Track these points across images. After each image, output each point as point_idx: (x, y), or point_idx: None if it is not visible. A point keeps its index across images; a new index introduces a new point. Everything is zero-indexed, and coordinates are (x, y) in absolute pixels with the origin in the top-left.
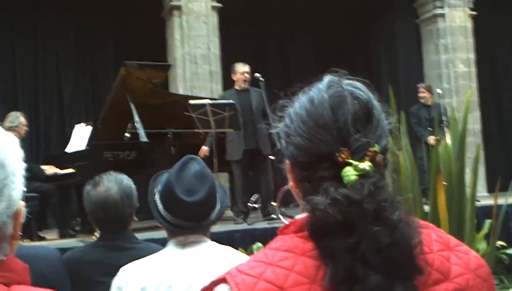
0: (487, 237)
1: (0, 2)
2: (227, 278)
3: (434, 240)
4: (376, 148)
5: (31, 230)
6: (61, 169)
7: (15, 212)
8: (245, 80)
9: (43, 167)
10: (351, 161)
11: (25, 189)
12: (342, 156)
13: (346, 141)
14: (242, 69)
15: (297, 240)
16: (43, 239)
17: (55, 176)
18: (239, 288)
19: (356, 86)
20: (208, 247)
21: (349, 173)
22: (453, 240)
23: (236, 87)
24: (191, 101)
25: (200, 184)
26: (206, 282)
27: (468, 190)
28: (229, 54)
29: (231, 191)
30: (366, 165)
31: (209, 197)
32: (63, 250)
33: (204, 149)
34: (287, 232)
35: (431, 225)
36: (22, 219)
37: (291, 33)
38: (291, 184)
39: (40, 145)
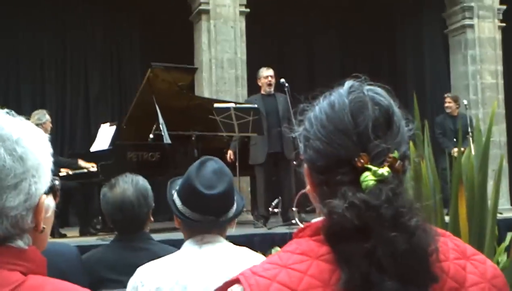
0: (508, 249)
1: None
2: (240, 279)
3: (451, 248)
4: (396, 154)
5: (52, 226)
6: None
7: (36, 206)
8: (269, 84)
9: (81, 162)
10: (370, 166)
11: (57, 182)
12: (361, 161)
13: (365, 146)
14: (265, 73)
15: (312, 243)
16: (64, 236)
17: (76, 174)
18: (252, 289)
19: (377, 92)
20: (225, 247)
21: (368, 178)
22: (470, 249)
23: (262, 92)
24: (216, 105)
25: (219, 180)
26: (221, 283)
27: (490, 202)
28: (255, 59)
29: (253, 195)
30: (384, 170)
31: (227, 193)
32: (83, 248)
33: (230, 152)
34: (303, 235)
35: (448, 233)
36: (47, 213)
37: (317, 39)
38: (308, 188)
39: (65, 143)
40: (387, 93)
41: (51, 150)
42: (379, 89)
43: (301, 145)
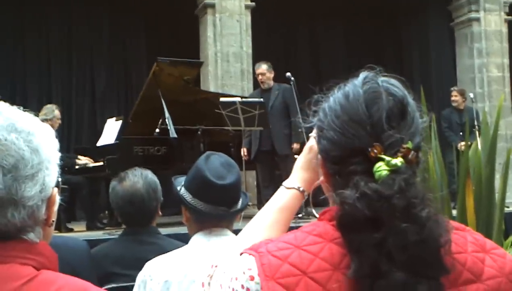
0: None
1: None
2: (255, 257)
3: (469, 242)
4: (409, 144)
5: (59, 221)
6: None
7: (48, 198)
8: (261, 81)
9: (80, 158)
10: (383, 156)
11: (59, 178)
12: (375, 151)
13: (379, 137)
14: (256, 71)
15: (329, 226)
16: (71, 230)
17: (84, 168)
18: (264, 269)
19: (391, 83)
20: (232, 240)
21: (381, 168)
22: (489, 243)
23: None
24: (222, 99)
25: (229, 171)
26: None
27: (497, 196)
28: (260, 53)
29: (258, 189)
30: (398, 160)
31: (238, 183)
32: (90, 242)
33: (243, 149)
34: (323, 218)
35: (468, 228)
36: (55, 206)
37: (322, 32)
38: (322, 178)
39: (71, 139)
40: (401, 84)
41: (58, 145)
42: (393, 80)
43: (315, 135)
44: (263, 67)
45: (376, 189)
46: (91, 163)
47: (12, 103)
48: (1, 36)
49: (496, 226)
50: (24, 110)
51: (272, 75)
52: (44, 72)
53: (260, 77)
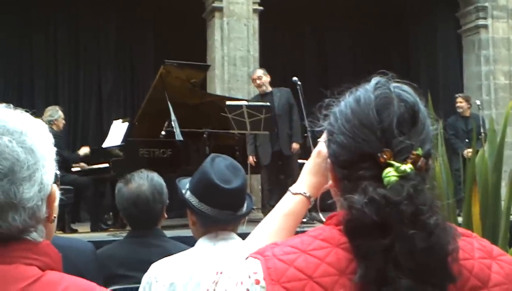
0: None
1: None
2: (260, 261)
3: (476, 248)
4: (419, 151)
5: (64, 222)
6: (97, 163)
7: (48, 195)
8: (258, 86)
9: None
10: (393, 162)
11: (58, 172)
12: (384, 156)
13: (389, 142)
14: (253, 76)
15: (335, 231)
16: (75, 231)
17: (89, 170)
18: (270, 273)
19: (403, 89)
20: (238, 244)
21: (390, 174)
22: (496, 249)
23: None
24: (228, 102)
25: (235, 174)
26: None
27: (503, 203)
28: (267, 57)
29: (263, 193)
30: (407, 167)
31: (244, 186)
32: (94, 243)
33: (250, 158)
34: (330, 223)
35: (474, 234)
36: (56, 202)
37: (330, 38)
38: (330, 183)
39: (77, 140)
40: (413, 91)
41: (52, 140)
42: (405, 87)
43: (324, 139)
44: (259, 72)
45: (385, 195)
46: (86, 167)
47: (19, 103)
48: (9, 37)
49: (501, 234)
50: (16, 108)
51: (268, 79)
52: (51, 73)
53: (258, 82)
